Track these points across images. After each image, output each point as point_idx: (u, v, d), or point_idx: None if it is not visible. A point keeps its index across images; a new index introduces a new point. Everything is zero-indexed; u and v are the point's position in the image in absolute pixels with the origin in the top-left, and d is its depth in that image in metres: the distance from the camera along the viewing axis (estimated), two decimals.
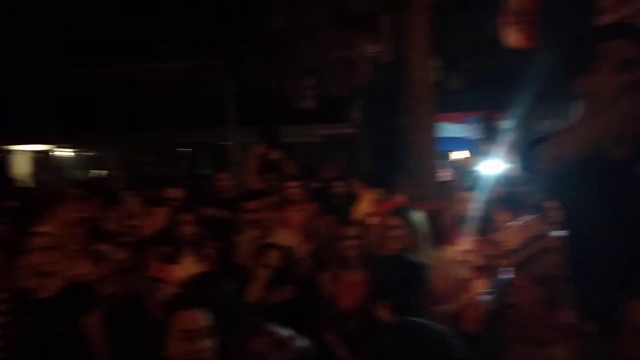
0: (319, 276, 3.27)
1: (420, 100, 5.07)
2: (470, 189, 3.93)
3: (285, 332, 1.48)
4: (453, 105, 7.76)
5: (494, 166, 4.98)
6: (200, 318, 1.70)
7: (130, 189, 5.31)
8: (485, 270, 3.02)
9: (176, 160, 14.97)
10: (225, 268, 3.52)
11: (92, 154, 15.11)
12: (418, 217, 2.99)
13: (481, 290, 2.73)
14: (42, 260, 2.68)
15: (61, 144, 10.16)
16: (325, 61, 6.67)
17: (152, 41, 9.92)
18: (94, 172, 11.75)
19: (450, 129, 7.99)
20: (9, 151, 12.58)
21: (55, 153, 9.99)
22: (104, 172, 11.27)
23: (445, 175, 5.39)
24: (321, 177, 6.31)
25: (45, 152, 11.79)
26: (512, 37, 5.33)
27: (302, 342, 1.48)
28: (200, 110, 12.04)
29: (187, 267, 3.44)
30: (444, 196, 4.20)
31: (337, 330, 2.94)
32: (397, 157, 5.40)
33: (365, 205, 4.85)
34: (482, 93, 8.26)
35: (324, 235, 4.46)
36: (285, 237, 3.73)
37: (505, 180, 4.27)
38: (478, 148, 6.70)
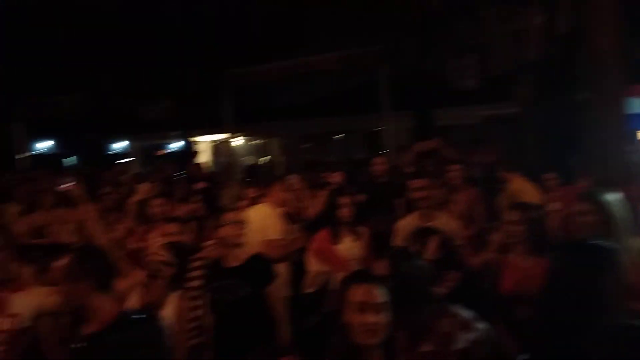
0: (483, 262, 3.13)
1: (606, 73, 4.50)
2: None
3: (467, 313, 1.45)
4: None
5: None
6: (376, 293, 1.77)
7: (294, 173, 5.70)
8: None
9: (332, 146, 15.60)
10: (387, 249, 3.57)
11: (258, 142, 16.59)
12: (615, 202, 2.64)
13: None
14: (232, 233, 3.04)
15: (234, 133, 11.43)
16: (488, 36, 6.22)
17: (310, 33, 10.43)
18: (263, 159, 12.91)
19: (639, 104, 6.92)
20: (195, 142, 14.48)
21: (230, 142, 11.19)
22: (269, 159, 12.30)
23: (635, 156, 4.71)
24: (476, 161, 6.00)
25: (222, 141, 13.31)
26: None
27: (483, 324, 1.44)
28: (355, 97, 12.29)
29: (347, 247, 3.60)
30: (636, 180, 3.67)
31: (506, 318, 2.78)
32: (574, 136, 4.86)
33: (516, 189, 4.52)
34: None
35: (485, 220, 4.27)
36: (446, 222, 3.64)
37: None
38: None
